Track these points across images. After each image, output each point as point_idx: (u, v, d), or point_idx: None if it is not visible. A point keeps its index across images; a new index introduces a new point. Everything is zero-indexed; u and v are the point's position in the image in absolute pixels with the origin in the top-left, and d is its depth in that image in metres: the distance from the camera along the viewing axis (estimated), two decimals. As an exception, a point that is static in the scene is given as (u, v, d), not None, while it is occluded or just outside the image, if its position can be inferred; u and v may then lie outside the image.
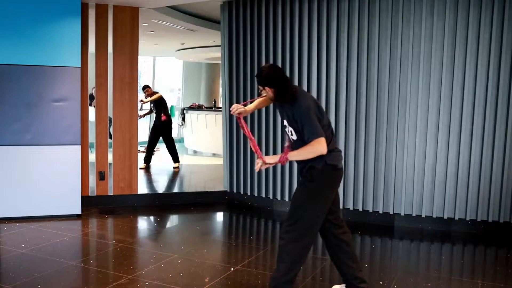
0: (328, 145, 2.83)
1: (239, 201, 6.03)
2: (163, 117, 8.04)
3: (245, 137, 5.91)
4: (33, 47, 4.92)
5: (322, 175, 2.88)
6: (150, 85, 8.53)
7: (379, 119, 5.02)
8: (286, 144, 3.04)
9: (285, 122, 2.96)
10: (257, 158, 2.90)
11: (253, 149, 2.95)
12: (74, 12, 5.03)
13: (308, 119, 2.77)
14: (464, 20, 4.64)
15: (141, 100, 8.70)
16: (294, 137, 2.92)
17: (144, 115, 8.64)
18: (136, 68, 5.70)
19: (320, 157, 2.83)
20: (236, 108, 3.02)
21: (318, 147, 2.76)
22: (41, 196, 5.06)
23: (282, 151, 3.06)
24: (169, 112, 8.29)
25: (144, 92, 8.22)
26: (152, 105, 8.24)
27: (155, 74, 13.15)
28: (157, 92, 8.21)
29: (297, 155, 2.84)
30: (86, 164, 5.46)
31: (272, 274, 2.94)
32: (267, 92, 2.92)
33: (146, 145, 8.39)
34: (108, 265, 3.81)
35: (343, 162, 3.03)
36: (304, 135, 2.80)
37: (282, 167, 5.60)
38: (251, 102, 3.19)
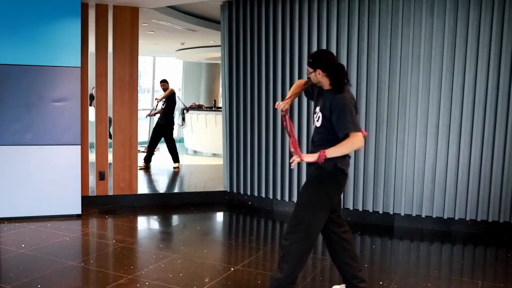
0: None
1: (239, 201, 6.03)
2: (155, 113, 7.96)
3: (245, 136, 5.91)
4: (33, 47, 4.92)
5: (330, 177, 2.87)
6: (168, 81, 8.40)
7: (379, 119, 5.03)
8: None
9: (317, 109, 2.92)
10: (295, 154, 2.80)
11: (292, 146, 2.85)
12: (74, 12, 5.03)
13: (347, 110, 2.75)
14: (464, 20, 4.64)
15: (156, 99, 8.68)
16: (319, 123, 2.90)
17: (154, 114, 8.58)
18: (136, 68, 5.70)
19: (331, 159, 2.81)
20: (283, 105, 2.95)
21: (355, 141, 2.73)
22: (41, 196, 5.05)
23: (311, 143, 2.98)
24: (173, 112, 8.25)
25: (161, 87, 8.18)
26: (163, 102, 8.18)
27: (155, 74, 13.15)
28: (169, 88, 8.14)
29: (336, 152, 2.75)
30: (86, 164, 5.46)
31: (273, 274, 2.93)
32: (316, 76, 2.86)
33: (147, 145, 8.39)
34: (108, 265, 3.81)
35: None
36: (339, 125, 2.75)
37: (282, 167, 5.60)
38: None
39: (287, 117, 2.96)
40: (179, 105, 9.85)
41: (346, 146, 2.74)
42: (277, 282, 2.84)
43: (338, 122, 2.76)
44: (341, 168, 2.87)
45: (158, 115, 8.33)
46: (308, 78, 2.97)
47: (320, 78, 2.86)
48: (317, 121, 2.92)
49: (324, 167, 2.85)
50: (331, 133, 2.84)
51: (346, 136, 2.74)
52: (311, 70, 2.90)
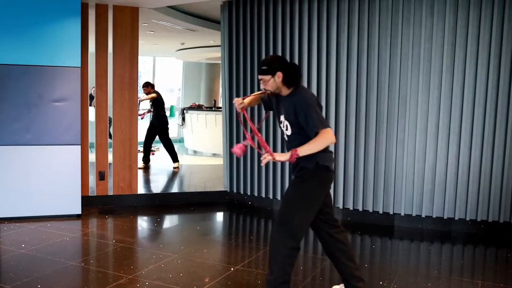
0: None
1: (239, 201, 6.03)
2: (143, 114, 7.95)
3: (245, 136, 5.89)
4: (33, 47, 4.92)
5: (314, 176, 2.86)
6: (153, 83, 8.35)
7: (379, 119, 5.02)
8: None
9: (282, 118, 2.93)
10: (265, 152, 2.78)
11: (260, 144, 2.83)
12: (74, 12, 5.03)
13: (312, 110, 2.75)
14: (464, 20, 4.64)
15: (139, 97, 8.66)
16: (289, 132, 2.90)
17: (144, 114, 8.57)
18: (136, 68, 5.70)
19: (312, 157, 2.80)
20: (238, 102, 2.98)
21: (327, 136, 2.73)
22: (41, 196, 5.05)
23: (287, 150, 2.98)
24: (164, 112, 8.21)
25: (144, 91, 8.17)
26: (150, 103, 8.18)
27: (155, 74, 13.16)
28: (155, 92, 8.11)
29: (307, 150, 2.75)
30: (86, 164, 5.46)
31: (266, 277, 2.91)
32: (274, 81, 2.85)
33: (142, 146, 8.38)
34: (108, 265, 3.81)
35: (334, 164, 3.00)
36: (308, 126, 2.75)
37: (282, 167, 5.60)
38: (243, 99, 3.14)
39: (246, 114, 2.94)
40: (179, 105, 9.84)
41: (318, 142, 2.73)
42: (271, 284, 2.83)
43: (307, 123, 2.76)
44: (323, 165, 2.85)
45: (151, 113, 8.27)
46: (264, 89, 2.94)
47: (279, 82, 2.85)
48: (286, 130, 2.92)
49: (306, 167, 2.85)
50: (305, 136, 2.83)
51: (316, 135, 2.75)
52: (268, 77, 2.86)
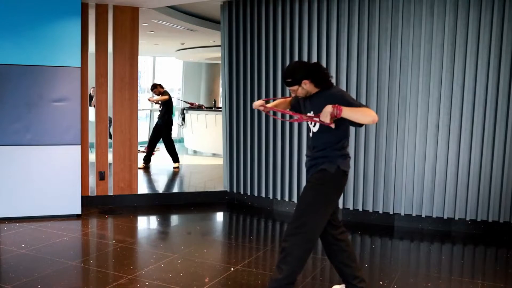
0: (344, 148, 2.90)
1: (239, 201, 6.03)
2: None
3: (245, 136, 5.91)
4: (33, 47, 4.92)
5: (333, 179, 2.87)
6: (161, 85, 8.37)
7: (379, 119, 5.02)
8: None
9: (311, 114, 2.91)
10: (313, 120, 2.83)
11: (306, 119, 2.86)
12: (74, 12, 5.03)
13: (349, 97, 2.78)
14: (464, 20, 4.64)
15: (149, 99, 8.65)
16: (316, 128, 2.90)
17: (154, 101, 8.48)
18: (136, 68, 5.70)
19: (333, 161, 2.84)
20: (258, 105, 3.02)
21: (372, 113, 2.70)
22: (41, 196, 5.05)
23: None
24: (171, 114, 8.25)
25: (155, 92, 8.18)
26: (160, 104, 8.18)
27: (155, 74, 13.16)
28: (167, 94, 8.12)
29: (351, 112, 2.70)
30: (86, 164, 5.46)
31: (272, 275, 2.91)
32: (303, 88, 2.85)
33: (146, 145, 8.39)
34: (108, 265, 3.81)
35: None
36: (353, 106, 2.76)
37: (282, 167, 5.60)
38: (273, 100, 3.14)
39: (271, 112, 2.97)
40: (179, 105, 9.81)
41: (364, 111, 2.71)
42: (276, 283, 2.82)
43: (350, 105, 2.74)
44: (343, 170, 2.89)
45: (156, 115, 8.29)
46: (295, 96, 2.96)
47: (308, 87, 2.86)
48: (314, 126, 2.92)
49: (327, 170, 2.86)
50: (332, 135, 2.85)
51: None
52: (295, 87, 2.87)
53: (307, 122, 2.98)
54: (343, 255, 3.01)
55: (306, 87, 2.86)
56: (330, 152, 2.88)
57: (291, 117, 3.05)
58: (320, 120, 2.75)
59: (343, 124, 2.84)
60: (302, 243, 2.82)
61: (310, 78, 2.84)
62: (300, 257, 2.83)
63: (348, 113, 2.70)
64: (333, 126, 2.78)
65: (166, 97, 8.04)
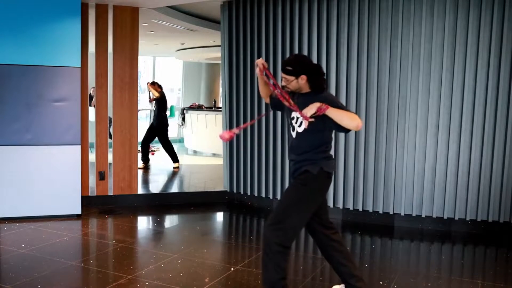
0: (327, 151, 2.90)
1: (239, 201, 6.03)
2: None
3: (245, 136, 5.91)
4: (33, 47, 4.92)
5: (316, 181, 2.88)
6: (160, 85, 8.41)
7: (379, 119, 5.03)
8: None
9: (297, 114, 2.88)
10: (293, 106, 2.80)
11: (284, 100, 2.82)
12: (74, 12, 5.03)
13: (339, 102, 2.79)
14: (464, 20, 4.64)
15: (150, 101, 8.65)
16: (301, 129, 2.87)
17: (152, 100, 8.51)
18: (136, 68, 5.70)
19: (316, 163, 2.85)
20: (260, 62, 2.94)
21: (357, 118, 2.70)
22: (41, 196, 5.05)
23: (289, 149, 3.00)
24: (165, 113, 8.22)
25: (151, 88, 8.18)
26: (153, 103, 8.18)
27: (155, 74, 13.16)
28: (160, 92, 8.12)
29: (336, 112, 2.71)
30: (86, 164, 5.46)
31: (262, 275, 2.90)
32: (297, 82, 2.84)
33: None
34: (108, 265, 3.81)
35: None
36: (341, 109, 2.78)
37: (282, 167, 5.60)
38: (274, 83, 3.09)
39: (269, 73, 2.92)
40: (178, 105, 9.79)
41: (349, 115, 2.71)
42: (268, 281, 2.83)
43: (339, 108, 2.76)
44: (326, 171, 2.89)
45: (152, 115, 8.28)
46: (283, 87, 2.90)
47: (302, 83, 2.85)
48: (299, 126, 2.89)
49: (310, 171, 2.86)
50: (316, 138, 2.85)
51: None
52: (291, 78, 2.84)
53: (290, 122, 2.95)
54: (339, 255, 3.02)
55: (301, 82, 2.85)
56: (313, 155, 2.88)
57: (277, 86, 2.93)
58: (300, 112, 2.73)
59: (326, 129, 2.84)
60: (278, 238, 2.79)
61: (308, 75, 2.84)
62: (279, 251, 2.80)
63: (333, 112, 2.71)
64: (307, 122, 2.73)
65: (157, 94, 8.00)
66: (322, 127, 2.83)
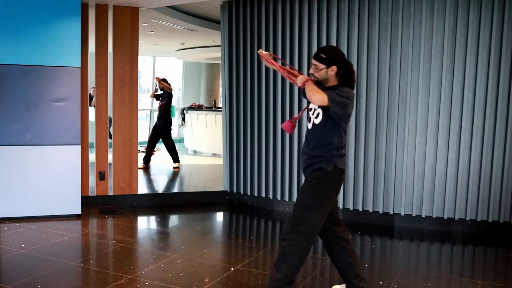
0: (341, 148, 2.89)
1: (239, 201, 6.03)
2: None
3: (245, 136, 5.91)
4: (33, 47, 4.92)
5: (331, 178, 2.87)
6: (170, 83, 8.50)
7: (379, 119, 5.03)
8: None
9: (315, 105, 2.88)
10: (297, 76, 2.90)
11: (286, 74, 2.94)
12: (74, 12, 5.03)
13: (342, 95, 2.75)
14: (464, 20, 4.64)
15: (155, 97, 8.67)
16: (317, 120, 2.87)
17: (155, 95, 8.52)
18: (136, 68, 5.70)
19: (330, 160, 2.84)
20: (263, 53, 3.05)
21: (323, 98, 2.70)
22: (41, 196, 5.05)
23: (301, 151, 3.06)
24: (170, 114, 8.24)
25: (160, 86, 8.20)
26: (159, 100, 8.21)
27: (155, 74, 13.15)
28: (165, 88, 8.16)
29: (310, 88, 2.76)
30: (86, 164, 5.46)
31: (270, 275, 2.91)
32: (326, 72, 2.83)
33: (146, 145, 8.39)
34: (108, 265, 3.81)
35: None
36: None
37: (282, 167, 5.60)
38: (289, 66, 3.11)
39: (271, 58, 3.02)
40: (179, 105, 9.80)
41: (317, 92, 2.73)
42: (275, 282, 2.82)
43: (334, 98, 2.77)
44: (340, 168, 2.89)
45: (155, 115, 8.31)
46: (309, 74, 2.92)
47: (331, 75, 2.84)
48: (316, 118, 2.89)
49: (324, 169, 2.85)
50: (331, 133, 2.84)
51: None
52: (322, 66, 2.83)
53: (307, 113, 2.99)
54: (345, 254, 3.01)
55: (330, 73, 2.83)
56: (328, 151, 2.87)
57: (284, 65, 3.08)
58: (293, 80, 2.86)
59: (338, 123, 2.85)
60: (301, 242, 2.81)
61: (339, 68, 2.83)
62: (299, 256, 2.83)
63: (309, 87, 2.77)
64: (299, 84, 2.84)
65: (171, 88, 8.03)
66: (333, 123, 2.84)
